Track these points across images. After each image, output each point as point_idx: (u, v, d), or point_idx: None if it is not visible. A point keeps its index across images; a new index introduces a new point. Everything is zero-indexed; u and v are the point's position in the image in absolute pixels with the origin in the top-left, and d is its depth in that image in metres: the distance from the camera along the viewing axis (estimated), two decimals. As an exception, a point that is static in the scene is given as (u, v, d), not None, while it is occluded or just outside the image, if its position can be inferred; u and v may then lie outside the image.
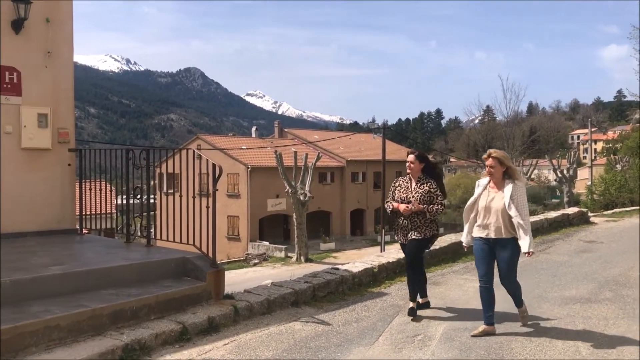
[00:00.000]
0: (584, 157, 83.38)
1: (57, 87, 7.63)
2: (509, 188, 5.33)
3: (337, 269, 7.61)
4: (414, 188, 6.14)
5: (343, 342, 5.23)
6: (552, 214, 14.34)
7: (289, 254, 34.09)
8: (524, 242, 5.24)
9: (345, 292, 7.04)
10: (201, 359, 4.70)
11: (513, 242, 5.35)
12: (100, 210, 8.13)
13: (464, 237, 5.68)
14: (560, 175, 38.89)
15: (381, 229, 32.75)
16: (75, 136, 8.08)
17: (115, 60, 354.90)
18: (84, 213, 7.91)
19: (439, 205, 6.07)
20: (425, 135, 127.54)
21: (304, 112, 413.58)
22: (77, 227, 7.92)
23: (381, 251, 30.05)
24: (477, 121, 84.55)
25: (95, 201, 7.84)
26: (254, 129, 53.58)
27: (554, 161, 41.33)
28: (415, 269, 6.17)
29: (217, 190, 6.07)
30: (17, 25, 7.11)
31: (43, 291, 5.02)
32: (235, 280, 20.06)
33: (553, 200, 57.54)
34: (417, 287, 6.22)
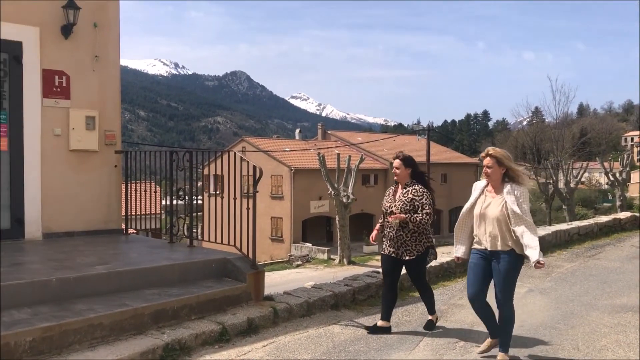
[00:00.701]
0: (639, 160, 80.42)
1: (104, 90, 7.82)
2: (509, 192, 4.65)
3: (378, 272, 7.52)
4: (398, 196, 5.60)
5: (382, 347, 5.16)
6: (603, 219, 13.87)
7: (332, 256, 34.08)
8: (533, 251, 4.53)
9: (386, 296, 6.95)
10: (240, 360, 4.71)
11: (511, 256, 4.66)
12: (147, 211, 8.30)
13: (457, 249, 5.03)
14: (612, 178, 37.59)
15: (425, 232, 32.30)
16: (122, 138, 8.27)
17: (164, 64, 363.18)
18: (130, 214, 8.08)
19: (425, 215, 5.42)
20: (471, 138, 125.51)
21: (347, 114, 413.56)
22: (123, 227, 8.10)
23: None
24: (525, 123, 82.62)
25: (142, 202, 8.00)
26: (297, 131, 53.88)
27: (606, 164, 39.97)
28: (419, 289, 5.86)
29: (258, 192, 6.09)
30: (67, 30, 7.32)
31: (88, 290, 5.13)
32: (278, 281, 20.14)
33: (604, 204, 55.64)
34: (426, 301, 5.83)
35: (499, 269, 4.70)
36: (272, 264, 32.99)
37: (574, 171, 39.39)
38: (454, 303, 6.79)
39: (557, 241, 11.23)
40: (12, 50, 6.99)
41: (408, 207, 5.45)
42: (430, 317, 5.82)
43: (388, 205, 5.64)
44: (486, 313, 4.92)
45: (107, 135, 7.79)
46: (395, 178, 5.69)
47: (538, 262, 4.51)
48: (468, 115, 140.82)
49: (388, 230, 5.65)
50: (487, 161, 4.73)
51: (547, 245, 10.63)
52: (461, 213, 4.95)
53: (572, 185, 38.23)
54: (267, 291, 6.12)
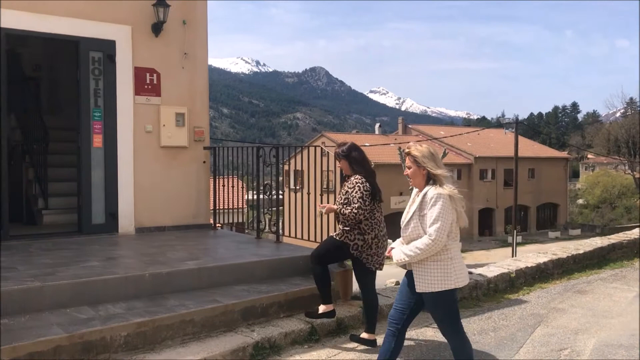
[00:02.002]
0: None
1: (193, 87, 7.92)
2: (424, 196, 3.73)
3: (471, 272, 7.17)
4: (340, 189, 5.06)
5: (479, 352, 4.86)
6: None
7: (414, 253, 33.47)
8: (401, 250, 3.81)
9: (479, 298, 6.62)
10: (330, 362, 4.57)
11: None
12: (232, 205, 8.36)
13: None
14: None
15: (513, 229, 31.14)
16: (209, 134, 8.36)
17: (246, 62, 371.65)
18: (217, 207, 8.16)
19: (351, 210, 4.74)
20: (559, 130, 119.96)
21: (428, 107, 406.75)
22: (211, 222, 8.19)
23: (513, 254, 28.65)
24: (618, 114, 77.97)
25: (227, 197, 8.07)
26: (377, 125, 53.39)
27: None
28: (314, 270, 5.01)
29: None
30: (157, 28, 7.46)
31: (179, 285, 5.15)
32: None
33: None
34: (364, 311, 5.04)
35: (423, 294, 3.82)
36: (352, 259, 32.84)
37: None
38: (555, 307, 6.34)
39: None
40: (106, 49, 7.19)
41: (343, 201, 4.88)
42: (368, 337, 4.92)
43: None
44: (391, 345, 4.02)
45: (196, 132, 7.89)
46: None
47: (394, 257, 3.85)
48: (556, 108, 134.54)
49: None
50: (406, 161, 3.93)
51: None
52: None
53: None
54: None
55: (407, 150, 3.91)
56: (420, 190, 3.80)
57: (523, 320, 5.81)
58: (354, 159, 4.96)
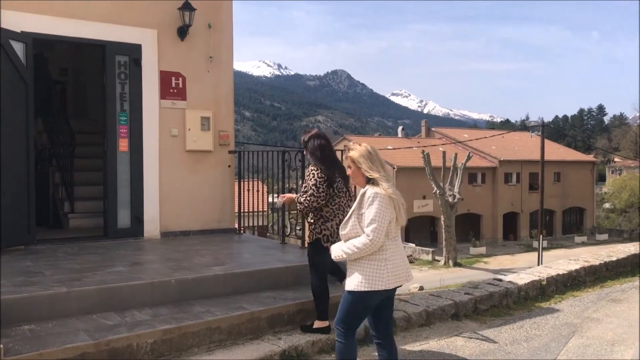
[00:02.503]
0: None
1: (218, 91, 7.88)
2: (362, 195, 3.71)
3: (500, 280, 7.01)
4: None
5: (513, 364, 4.71)
6: None
7: (436, 257, 33.19)
8: (338, 247, 3.78)
9: (510, 306, 6.45)
10: (359, 372, 4.45)
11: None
12: (254, 209, 8.31)
13: None
14: None
15: (538, 234, 30.65)
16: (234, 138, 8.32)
17: (268, 65, 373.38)
18: (242, 211, 8.11)
19: (304, 197, 4.68)
20: (585, 133, 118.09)
21: (450, 110, 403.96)
22: (236, 226, 8.13)
23: (538, 259, 28.19)
24: (646, 117, 76.44)
25: (250, 200, 8.02)
26: (400, 128, 53.11)
27: None
28: (311, 283, 4.90)
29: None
30: (183, 31, 7.44)
31: (205, 291, 5.09)
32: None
33: None
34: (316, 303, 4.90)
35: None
36: (375, 263, 32.64)
37: None
38: (589, 316, 6.14)
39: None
40: (132, 53, 7.19)
41: (303, 190, 4.85)
42: (321, 324, 4.86)
43: None
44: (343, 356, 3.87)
45: (221, 136, 7.85)
46: None
47: (333, 253, 3.83)
48: (581, 110, 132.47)
49: None
50: (347, 161, 3.94)
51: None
52: None
53: None
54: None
55: (348, 150, 3.88)
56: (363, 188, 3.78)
57: (556, 330, 5.63)
58: (310, 148, 4.92)
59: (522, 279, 7.02)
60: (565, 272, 7.41)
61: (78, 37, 6.93)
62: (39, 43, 6.98)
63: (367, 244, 3.60)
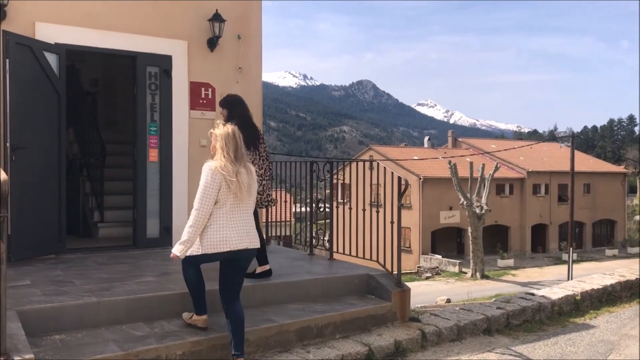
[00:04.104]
0: None
1: (247, 102, 7.84)
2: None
3: (533, 294, 6.85)
4: None
5: (549, 382, 4.57)
6: None
7: (463, 269, 32.79)
8: (178, 244, 4.15)
9: (543, 322, 6.28)
10: (389, 388, 4.37)
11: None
12: (280, 219, 8.28)
13: None
14: None
15: (568, 246, 30.08)
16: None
17: (294, 76, 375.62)
18: (270, 221, 8.09)
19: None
20: (615, 144, 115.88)
21: (477, 120, 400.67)
22: (263, 236, 8.09)
23: (568, 272, 27.63)
24: (679, 127, 74.65)
25: (277, 211, 7.99)
26: (426, 139, 52.78)
27: None
28: None
29: (402, 205, 5.75)
30: (212, 43, 7.48)
31: (233, 302, 5.05)
32: (410, 294, 19.55)
33: None
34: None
35: None
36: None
37: None
38: (626, 333, 5.95)
39: None
40: (163, 64, 7.25)
41: (267, 177, 5.22)
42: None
43: None
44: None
45: (249, 146, 7.84)
46: None
47: (175, 253, 4.15)
48: (611, 120, 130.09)
49: None
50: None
51: None
52: None
53: None
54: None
55: (215, 125, 4.38)
56: None
57: (592, 347, 5.46)
58: (234, 114, 5.45)
59: (555, 293, 6.85)
60: (600, 286, 7.21)
61: (110, 49, 7.02)
62: (71, 54, 7.08)
63: (196, 215, 4.08)
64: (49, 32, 6.56)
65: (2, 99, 6.01)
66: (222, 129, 4.28)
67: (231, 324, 4.15)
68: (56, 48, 6.58)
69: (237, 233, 4.17)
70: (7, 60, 5.97)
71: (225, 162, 4.14)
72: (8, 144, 6.00)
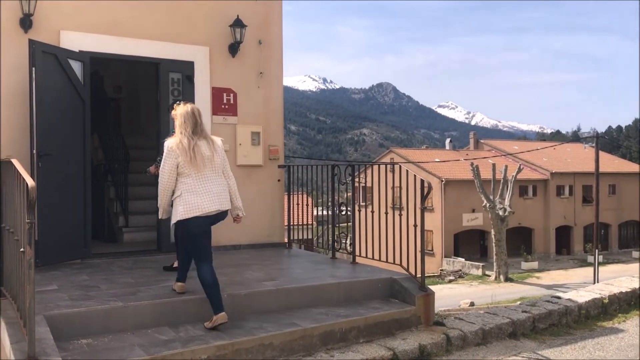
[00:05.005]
0: None
1: (268, 106, 7.93)
2: None
3: (559, 297, 6.75)
4: None
5: (577, 387, 4.49)
6: None
7: (487, 272, 32.47)
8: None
9: (570, 325, 6.18)
10: (415, 393, 4.33)
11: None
12: (301, 222, 8.31)
13: None
14: None
15: (594, 248, 29.60)
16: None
17: (313, 80, 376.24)
18: (292, 224, 8.10)
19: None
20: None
21: (499, 121, 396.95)
22: (285, 240, 8.12)
23: (594, 274, 27.19)
24: None
25: (298, 214, 8.02)
26: (447, 140, 52.47)
27: None
28: None
29: (426, 208, 5.71)
30: (234, 48, 7.53)
31: (257, 307, 5.08)
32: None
33: None
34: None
35: None
36: (423, 277, 32.21)
37: None
38: (657, 338, 5.82)
39: None
40: (185, 70, 7.32)
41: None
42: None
43: None
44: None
45: (271, 150, 7.89)
46: None
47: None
48: (636, 120, 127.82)
49: None
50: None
51: None
52: None
53: None
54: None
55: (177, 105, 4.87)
56: None
57: (622, 352, 5.36)
58: None
59: (582, 296, 6.74)
60: (629, 289, 7.08)
61: (133, 55, 7.11)
62: (95, 62, 7.18)
63: (159, 186, 4.73)
64: (74, 40, 6.67)
65: (29, 106, 6.12)
66: (181, 108, 4.75)
67: (203, 287, 4.67)
68: (80, 56, 6.68)
69: (208, 198, 4.64)
70: (34, 68, 6.08)
71: (181, 137, 4.62)
72: (34, 151, 6.11)
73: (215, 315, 4.52)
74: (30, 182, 3.61)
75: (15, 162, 4.20)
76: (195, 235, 4.71)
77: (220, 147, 4.85)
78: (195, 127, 4.66)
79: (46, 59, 6.24)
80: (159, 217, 4.94)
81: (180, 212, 4.60)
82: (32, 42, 6.11)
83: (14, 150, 6.00)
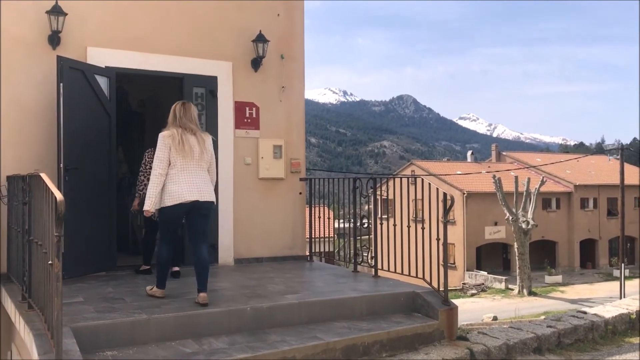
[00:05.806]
0: None
1: (290, 120, 7.99)
2: None
3: (585, 312, 6.66)
4: None
5: (605, 405, 4.42)
6: None
7: (510, 286, 32.06)
8: (146, 200, 5.15)
9: (596, 341, 6.09)
10: (438, 408, 4.30)
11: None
12: (322, 235, 8.33)
13: None
14: None
15: (620, 262, 29.06)
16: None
17: (334, 92, 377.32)
18: (313, 237, 8.13)
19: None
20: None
21: (521, 133, 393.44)
22: (307, 253, 8.14)
23: (621, 289, 26.65)
24: None
25: (319, 227, 8.04)
26: (469, 153, 52.16)
27: None
28: None
29: (448, 221, 5.69)
30: (256, 63, 7.62)
31: (279, 320, 5.08)
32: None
33: None
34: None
35: None
36: (445, 291, 31.92)
37: None
38: (686, 355, 5.69)
39: None
40: (208, 85, 7.41)
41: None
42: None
43: None
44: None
45: (293, 164, 7.93)
46: None
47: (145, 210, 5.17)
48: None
49: None
50: None
51: None
52: None
53: None
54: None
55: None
56: None
57: (648, 369, 5.25)
58: None
59: (608, 311, 6.64)
60: (656, 305, 6.94)
61: (158, 71, 7.22)
62: (120, 76, 7.31)
63: (152, 176, 5.06)
64: (100, 56, 6.81)
65: (57, 121, 6.25)
66: (176, 104, 5.30)
67: (195, 266, 5.12)
68: (107, 71, 6.82)
69: (187, 188, 5.05)
70: (62, 84, 6.22)
71: (172, 128, 5.13)
72: (62, 165, 6.23)
73: (158, 288, 5.31)
74: (59, 195, 3.68)
75: (44, 176, 4.28)
76: (169, 220, 5.22)
77: (209, 144, 5.28)
78: (181, 119, 5.16)
79: (73, 75, 6.38)
80: (145, 209, 5.14)
81: (161, 200, 5.07)
82: (60, 59, 6.25)
83: (41, 164, 6.14)
